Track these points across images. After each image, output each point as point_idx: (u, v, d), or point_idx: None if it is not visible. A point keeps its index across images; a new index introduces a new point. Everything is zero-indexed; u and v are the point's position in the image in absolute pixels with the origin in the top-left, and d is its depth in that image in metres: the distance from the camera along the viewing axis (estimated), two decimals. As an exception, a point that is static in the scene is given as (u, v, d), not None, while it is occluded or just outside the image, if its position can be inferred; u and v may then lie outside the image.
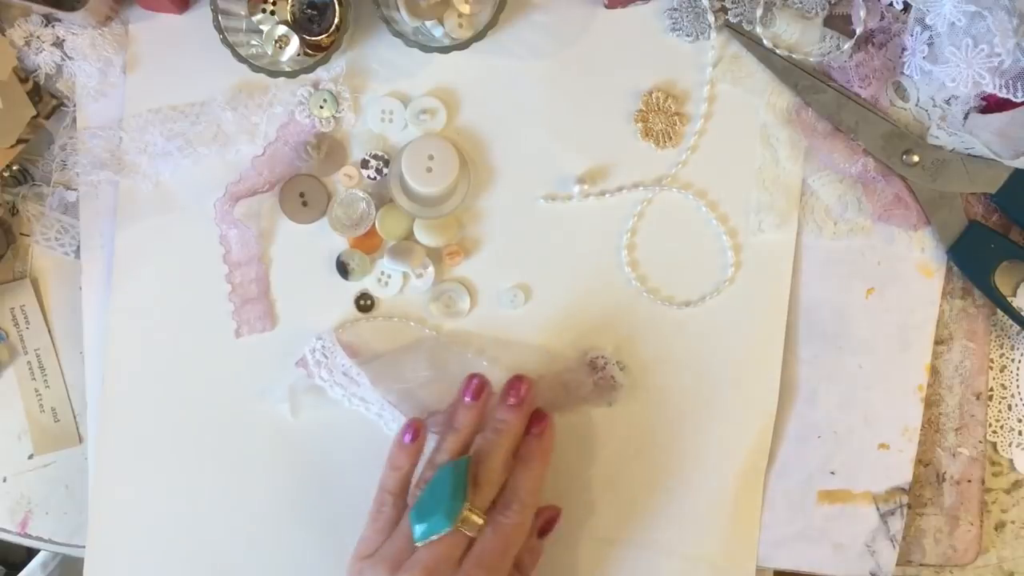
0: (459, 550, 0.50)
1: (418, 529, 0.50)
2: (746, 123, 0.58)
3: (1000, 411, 0.60)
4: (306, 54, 0.57)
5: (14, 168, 0.59)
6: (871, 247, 0.59)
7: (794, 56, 0.58)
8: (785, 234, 0.58)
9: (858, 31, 0.57)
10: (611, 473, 0.58)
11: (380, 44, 0.58)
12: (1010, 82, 0.53)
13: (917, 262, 0.59)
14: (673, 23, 0.58)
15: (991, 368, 0.60)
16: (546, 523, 0.56)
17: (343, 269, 0.58)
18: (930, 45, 0.55)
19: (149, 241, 0.59)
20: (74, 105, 0.59)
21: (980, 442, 0.60)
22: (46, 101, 0.59)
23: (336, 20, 0.56)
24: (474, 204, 0.59)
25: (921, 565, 0.60)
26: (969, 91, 0.54)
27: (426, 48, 0.55)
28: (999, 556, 0.61)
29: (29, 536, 0.61)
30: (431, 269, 0.58)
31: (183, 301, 0.59)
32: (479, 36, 0.54)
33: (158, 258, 0.59)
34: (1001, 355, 0.60)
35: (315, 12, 0.56)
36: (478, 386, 0.55)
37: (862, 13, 0.56)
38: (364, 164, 0.58)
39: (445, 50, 0.55)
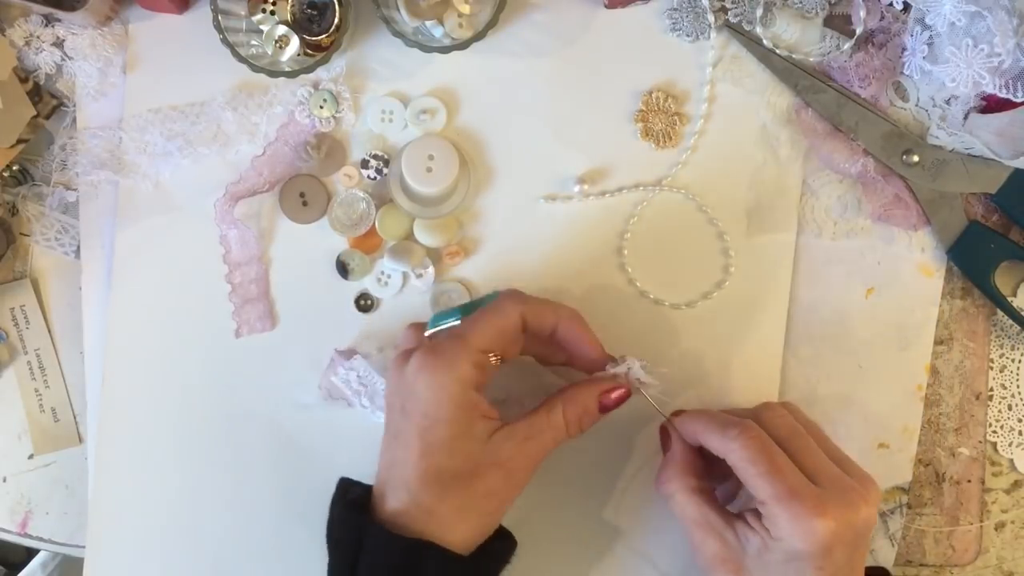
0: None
1: (430, 323, 0.51)
2: (746, 123, 0.58)
3: (1000, 411, 0.60)
4: (306, 54, 0.57)
5: (14, 168, 0.59)
6: (871, 247, 0.59)
7: (794, 56, 0.58)
8: (785, 234, 0.58)
9: (858, 31, 0.57)
10: (613, 470, 0.59)
11: (380, 44, 0.58)
12: (1010, 82, 0.53)
13: (917, 262, 0.59)
14: (673, 23, 0.58)
15: (991, 368, 0.60)
16: (615, 400, 0.51)
17: (343, 269, 0.58)
18: (930, 45, 0.55)
19: (149, 241, 0.59)
20: (74, 105, 0.59)
21: (980, 442, 0.60)
22: (46, 101, 0.59)
23: (336, 20, 0.56)
24: (474, 204, 0.59)
25: (921, 565, 0.60)
26: (969, 91, 0.54)
27: (426, 48, 0.55)
28: (999, 556, 0.61)
29: (29, 536, 0.61)
30: (431, 269, 0.58)
31: (183, 301, 0.59)
32: (479, 36, 0.54)
33: (158, 258, 0.59)
34: (1001, 355, 0.60)
35: (315, 12, 0.56)
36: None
37: (862, 13, 0.56)
38: (364, 164, 0.58)
39: (445, 50, 0.55)
